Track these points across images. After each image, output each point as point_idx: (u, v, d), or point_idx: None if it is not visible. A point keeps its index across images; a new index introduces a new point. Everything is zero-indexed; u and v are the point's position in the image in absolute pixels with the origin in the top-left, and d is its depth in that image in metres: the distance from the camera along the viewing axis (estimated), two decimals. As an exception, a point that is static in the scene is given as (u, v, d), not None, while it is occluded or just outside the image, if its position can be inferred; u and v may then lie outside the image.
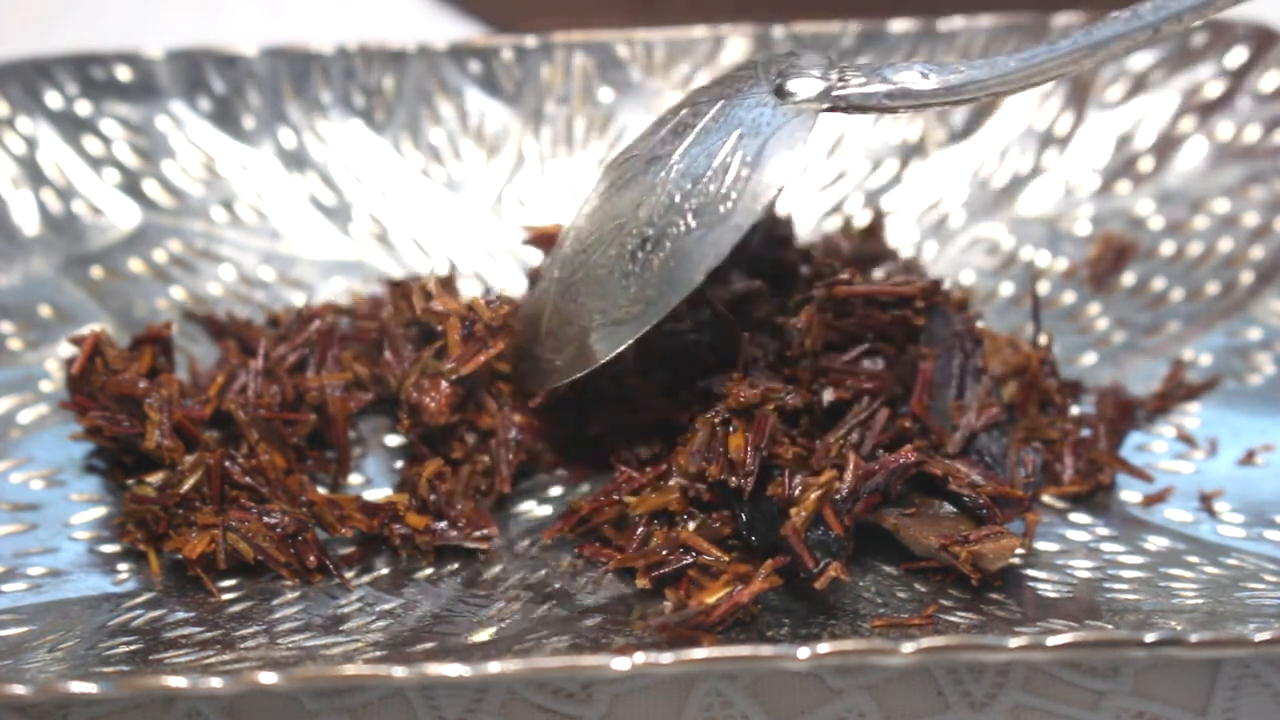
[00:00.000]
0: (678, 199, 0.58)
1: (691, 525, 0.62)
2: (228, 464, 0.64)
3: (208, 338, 0.73)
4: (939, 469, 0.62)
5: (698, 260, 0.58)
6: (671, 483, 0.63)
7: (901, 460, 0.61)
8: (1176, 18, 0.59)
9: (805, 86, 0.59)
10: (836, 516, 0.59)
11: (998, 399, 0.65)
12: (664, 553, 0.61)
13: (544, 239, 0.69)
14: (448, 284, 0.68)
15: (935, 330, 0.65)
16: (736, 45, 0.80)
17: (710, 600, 0.59)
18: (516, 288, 0.75)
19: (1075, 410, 0.69)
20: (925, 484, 0.62)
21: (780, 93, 0.59)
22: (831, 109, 0.59)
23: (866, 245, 0.75)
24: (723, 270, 0.61)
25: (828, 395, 0.63)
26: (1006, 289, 0.76)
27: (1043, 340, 0.68)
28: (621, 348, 0.60)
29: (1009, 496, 0.62)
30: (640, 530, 0.62)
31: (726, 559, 0.61)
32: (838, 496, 0.60)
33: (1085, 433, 0.68)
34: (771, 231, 0.72)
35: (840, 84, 0.59)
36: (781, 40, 0.79)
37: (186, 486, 0.63)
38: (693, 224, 0.58)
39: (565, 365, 0.62)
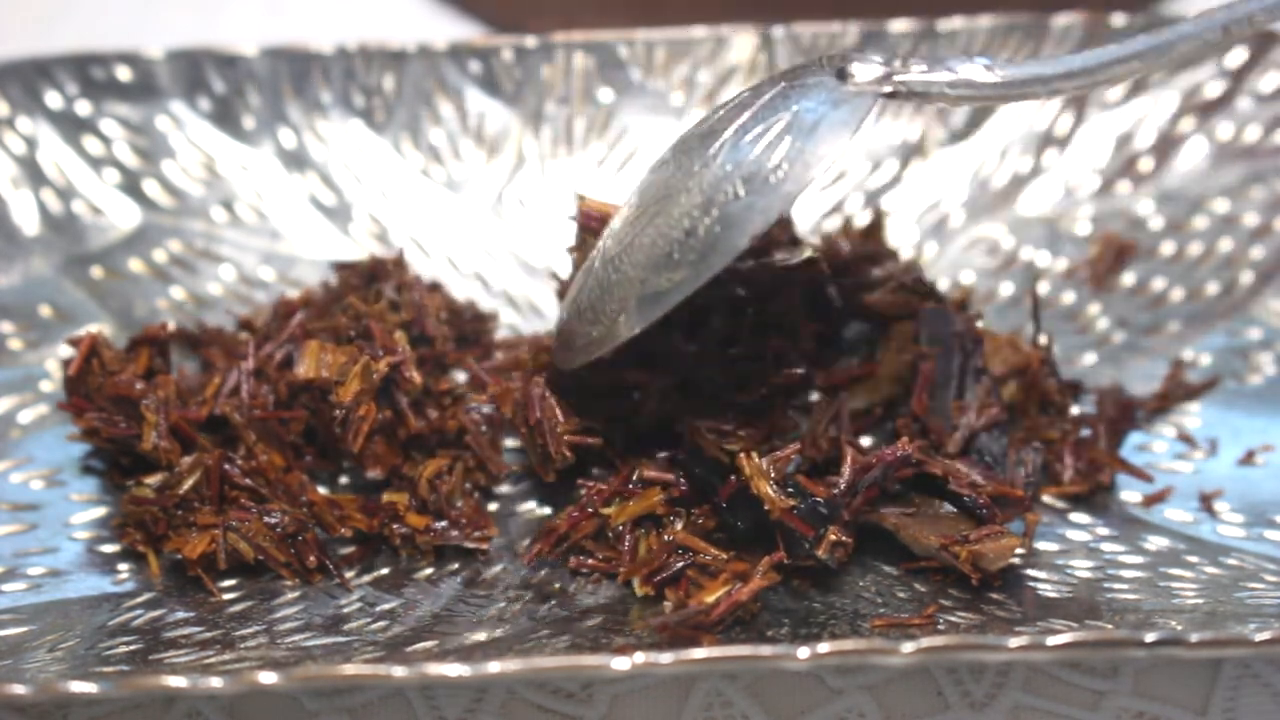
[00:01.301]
0: (729, 168, 0.58)
1: (679, 525, 0.62)
2: (226, 465, 0.64)
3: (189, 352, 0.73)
4: (939, 469, 0.62)
5: (744, 226, 0.57)
6: (645, 486, 0.63)
7: (898, 453, 0.61)
8: (1246, 20, 0.59)
9: (866, 71, 0.59)
10: (811, 480, 0.60)
11: (998, 399, 0.65)
12: (665, 557, 0.61)
13: (597, 216, 0.68)
14: (399, 265, 0.69)
15: (935, 330, 0.65)
16: (736, 45, 0.80)
17: (709, 599, 0.59)
18: (516, 288, 0.75)
19: (1075, 410, 0.69)
20: (925, 484, 0.62)
21: (841, 75, 0.59)
22: (892, 94, 0.59)
23: (866, 246, 0.75)
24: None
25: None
26: (1006, 289, 0.76)
27: (1043, 340, 0.68)
28: (656, 317, 0.59)
29: (1009, 496, 0.62)
30: (628, 539, 0.62)
31: (725, 557, 0.61)
32: (797, 469, 0.60)
33: (1085, 433, 0.68)
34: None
35: (901, 70, 0.59)
36: (782, 40, 0.79)
37: (185, 487, 0.63)
38: (742, 192, 0.58)
39: (600, 336, 0.61)
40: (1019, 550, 0.61)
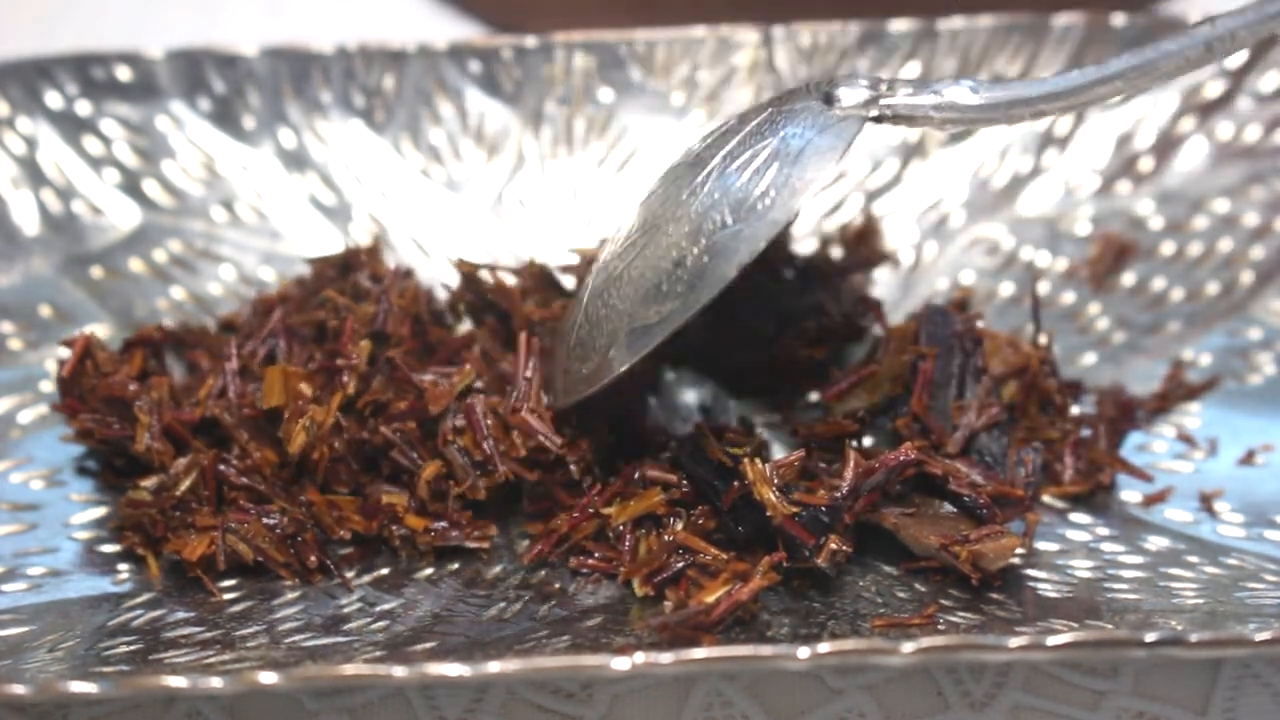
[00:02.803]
0: (717, 197, 0.58)
1: (679, 525, 0.62)
2: (221, 465, 0.64)
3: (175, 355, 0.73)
4: (939, 469, 0.62)
5: (732, 255, 0.58)
6: (645, 485, 0.63)
7: (901, 458, 0.61)
8: (1230, 37, 0.59)
9: (852, 95, 0.59)
10: (814, 484, 0.60)
11: (998, 399, 0.65)
12: (665, 557, 0.61)
13: (587, 261, 0.70)
14: (373, 255, 0.69)
15: (935, 330, 0.65)
16: (737, 45, 0.80)
17: (710, 599, 0.59)
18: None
19: (1075, 410, 0.69)
20: (925, 484, 0.62)
21: (828, 100, 0.59)
22: (878, 118, 0.59)
23: (862, 249, 0.75)
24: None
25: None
26: (1006, 289, 0.76)
27: (1043, 340, 0.68)
28: (646, 351, 0.59)
29: (1009, 496, 0.62)
30: (628, 539, 0.62)
31: (725, 557, 0.61)
32: (801, 475, 0.61)
33: (1085, 433, 0.68)
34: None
35: (888, 93, 0.59)
36: (781, 40, 0.79)
37: (182, 488, 0.63)
38: (729, 220, 0.58)
39: (590, 373, 0.61)
40: (1019, 550, 0.61)
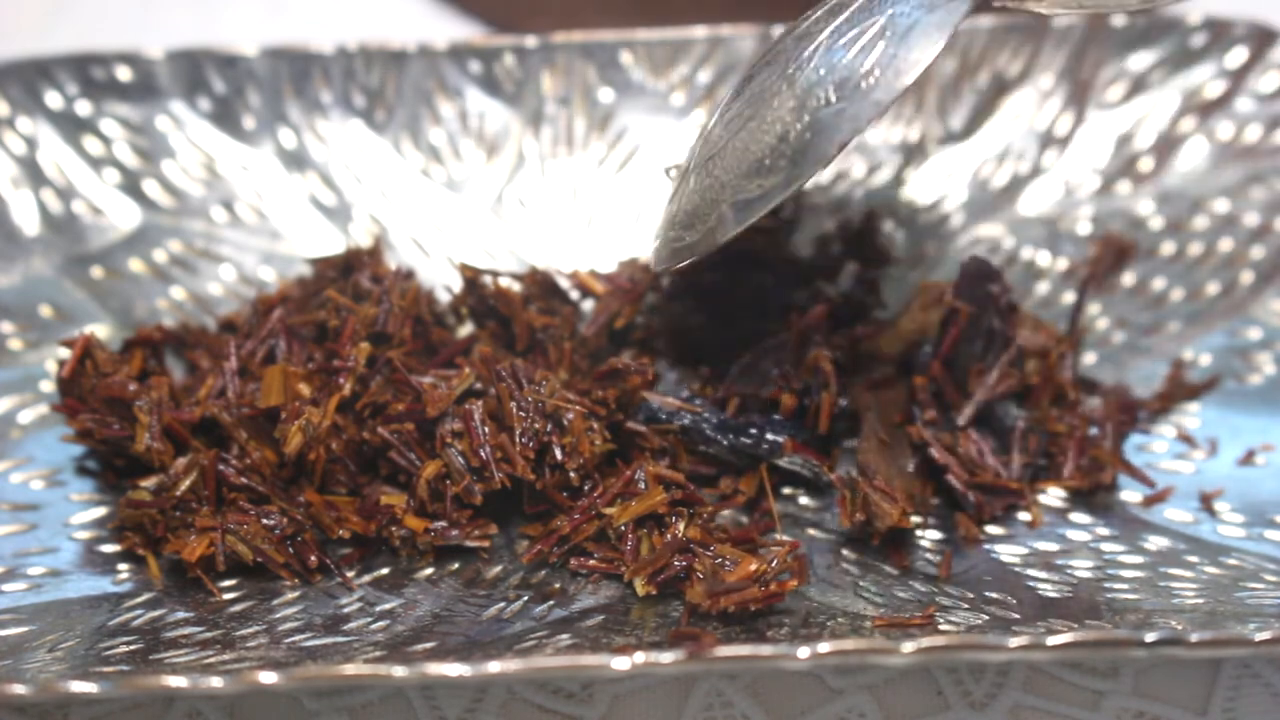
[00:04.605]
0: (823, 73, 0.58)
1: (681, 525, 0.62)
2: (221, 465, 0.64)
3: (175, 354, 0.72)
4: (940, 456, 0.62)
5: (832, 134, 0.57)
6: (649, 485, 0.63)
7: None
8: None
9: None
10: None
11: (1020, 370, 0.65)
12: (672, 556, 0.61)
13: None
14: (374, 255, 0.69)
15: (973, 285, 0.65)
16: (736, 45, 0.80)
17: (752, 568, 0.59)
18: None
19: (1086, 405, 0.69)
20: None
21: None
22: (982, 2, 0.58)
23: (859, 248, 0.75)
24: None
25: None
26: (1006, 289, 0.76)
27: (1067, 334, 0.68)
28: (751, 221, 0.59)
29: (1003, 488, 0.62)
30: (630, 539, 0.62)
31: (739, 554, 0.61)
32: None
33: (1093, 431, 0.68)
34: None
35: None
36: (781, 40, 0.79)
37: (182, 488, 0.63)
38: (833, 98, 0.57)
39: (696, 241, 0.61)
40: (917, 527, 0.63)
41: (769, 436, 0.65)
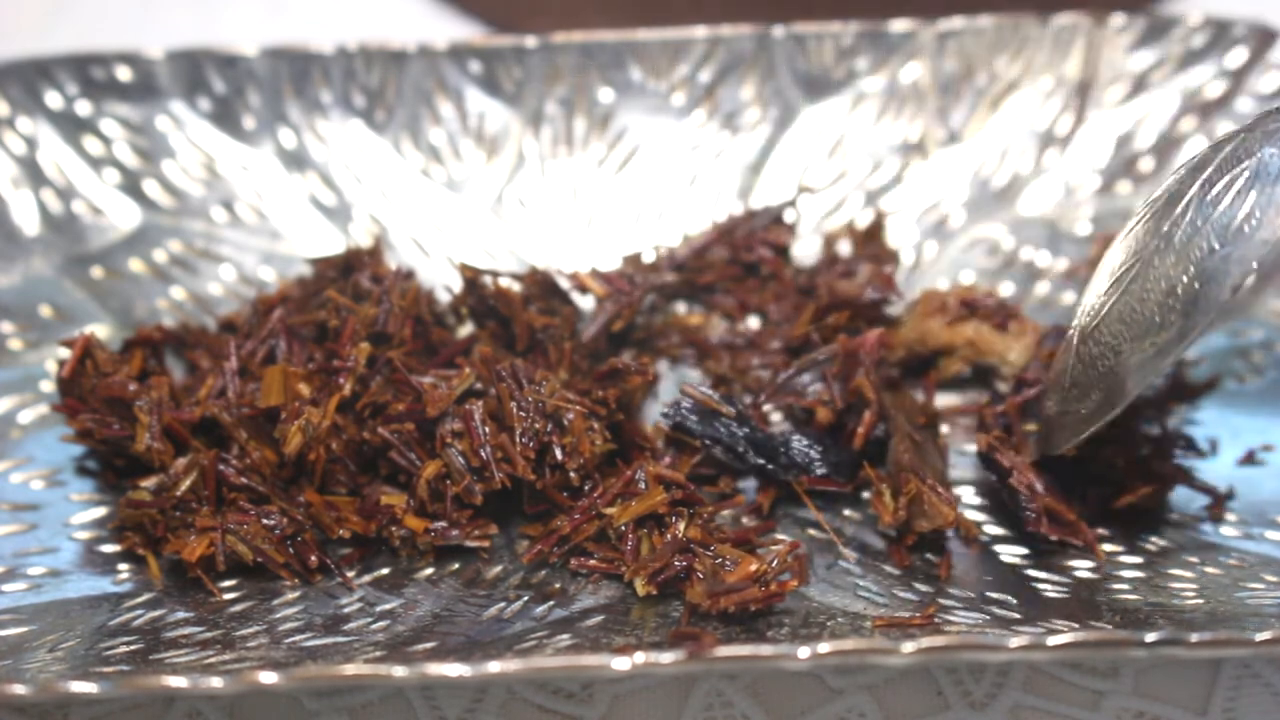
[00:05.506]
0: (1200, 224, 0.58)
1: (681, 525, 0.62)
2: (221, 465, 0.64)
3: (175, 354, 0.72)
4: (1007, 461, 0.63)
5: (1223, 279, 0.57)
6: (648, 485, 0.63)
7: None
8: None
9: None
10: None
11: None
12: (672, 555, 0.61)
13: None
14: (374, 255, 0.70)
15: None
16: (736, 45, 0.80)
17: (752, 568, 0.59)
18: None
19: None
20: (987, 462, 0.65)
21: None
22: None
23: (867, 246, 0.75)
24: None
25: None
26: (1007, 289, 0.76)
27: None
28: (1150, 381, 0.60)
29: (1063, 517, 0.62)
30: (630, 539, 0.62)
31: (739, 554, 0.61)
32: None
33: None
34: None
35: None
36: (782, 40, 0.79)
37: (183, 488, 0.63)
38: (1216, 245, 0.58)
39: (1092, 410, 0.62)
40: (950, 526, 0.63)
41: (796, 461, 0.66)
